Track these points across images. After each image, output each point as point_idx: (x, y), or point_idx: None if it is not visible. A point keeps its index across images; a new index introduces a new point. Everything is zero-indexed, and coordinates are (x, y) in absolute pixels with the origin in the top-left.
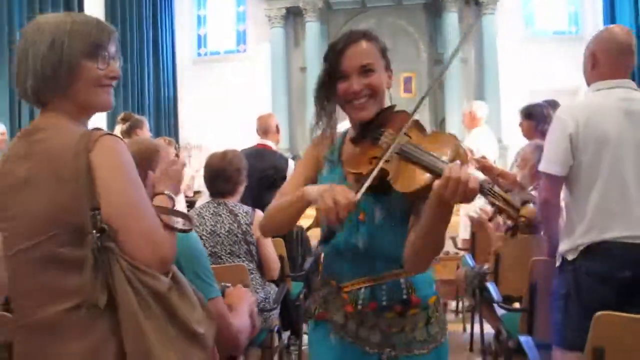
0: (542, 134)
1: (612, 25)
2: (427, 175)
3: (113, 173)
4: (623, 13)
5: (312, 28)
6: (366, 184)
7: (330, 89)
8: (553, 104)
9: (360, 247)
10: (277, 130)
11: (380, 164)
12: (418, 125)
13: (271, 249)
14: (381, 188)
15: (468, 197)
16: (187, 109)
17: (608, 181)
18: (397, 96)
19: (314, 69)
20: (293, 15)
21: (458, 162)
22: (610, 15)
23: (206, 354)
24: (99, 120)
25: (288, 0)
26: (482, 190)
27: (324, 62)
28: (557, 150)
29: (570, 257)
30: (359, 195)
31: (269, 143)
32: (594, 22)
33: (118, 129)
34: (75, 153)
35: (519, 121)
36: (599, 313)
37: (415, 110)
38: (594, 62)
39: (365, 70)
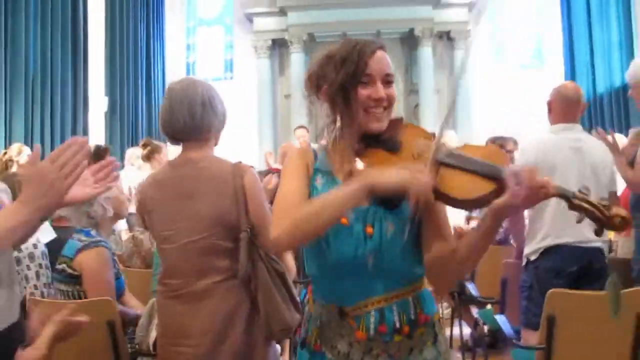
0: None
1: (565, 82)
2: (489, 182)
3: (257, 193)
4: (580, 49)
5: (296, 58)
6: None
7: (350, 92)
8: (514, 141)
9: (369, 263)
10: None
11: (432, 165)
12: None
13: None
14: (391, 201)
15: (548, 196)
16: None
17: (558, 200)
18: None
19: (298, 96)
20: (278, 46)
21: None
22: (570, 50)
23: (299, 315)
24: (99, 141)
25: (274, 32)
26: (563, 195)
27: (343, 63)
28: None
29: (532, 258)
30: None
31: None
32: (555, 56)
33: (136, 152)
34: (234, 176)
35: None
36: (550, 290)
37: (446, 120)
38: (550, 109)
39: (388, 80)
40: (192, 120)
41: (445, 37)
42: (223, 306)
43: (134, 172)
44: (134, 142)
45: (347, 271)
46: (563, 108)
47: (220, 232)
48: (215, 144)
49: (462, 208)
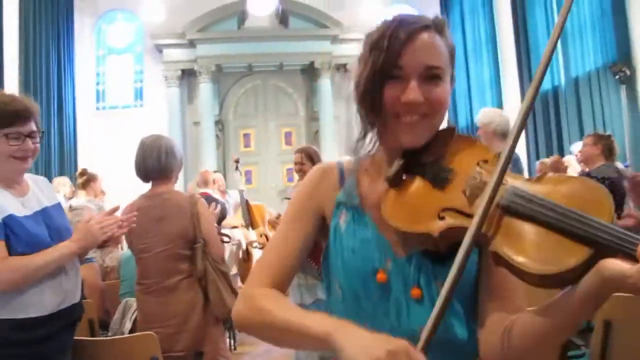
0: None
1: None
2: (583, 248)
3: (207, 216)
4: (459, 82)
5: (205, 88)
6: (455, 269)
7: (377, 92)
8: None
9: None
10: (214, 182)
11: (477, 222)
12: (512, 165)
13: None
14: (444, 255)
15: None
16: (89, 160)
17: None
18: (279, 148)
19: (207, 123)
20: (187, 76)
21: None
22: None
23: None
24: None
25: (183, 62)
26: None
27: (372, 50)
28: None
29: None
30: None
31: (209, 191)
32: None
33: (62, 181)
34: (191, 204)
35: None
36: None
37: (517, 138)
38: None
39: (431, 75)
40: (158, 165)
41: (343, 69)
42: (185, 297)
43: (63, 200)
44: (46, 170)
45: None
46: None
47: (181, 244)
48: (175, 181)
49: (532, 284)
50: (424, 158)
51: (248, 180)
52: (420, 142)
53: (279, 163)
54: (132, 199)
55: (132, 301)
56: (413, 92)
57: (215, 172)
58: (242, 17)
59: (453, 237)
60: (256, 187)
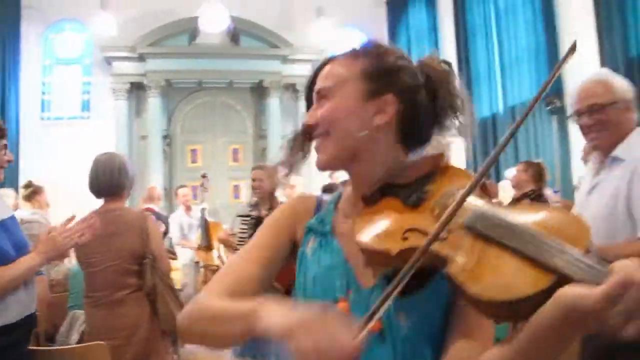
0: None
1: None
2: (544, 275)
3: (156, 232)
4: None
5: (153, 102)
6: (396, 287)
7: None
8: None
9: None
10: (159, 197)
11: (426, 245)
12: (486, 191)
13: None
14: (410, 284)
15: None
16: (31, 171)
17: None
18: (227, 165)
19: (155, 137)
20: (136, 89)
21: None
22: None
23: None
24: None
25: (133, 76)
26: None
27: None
28: None
29: None
30: (363, 335)
31: (153, 206)
32: None
33: (6, 193)
34: (141, 221)
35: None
36: None
37: (493, 160)
38: None
39: (319, 98)
40: (111, 183)
41: (292, 89)
42: (132, 311)
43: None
44: None
45: None
46: None
47: (130, 259)
48: (127, 198)
49: (483, 312)
50: (402, 180)
51: (194, 197)
52: (320, 166)
53: (227, 179)
54: (76, 210)
55: (80, 313)
56: (306, 116)
57: (182, 187)
58: (193, 33)
59: (412, 258)
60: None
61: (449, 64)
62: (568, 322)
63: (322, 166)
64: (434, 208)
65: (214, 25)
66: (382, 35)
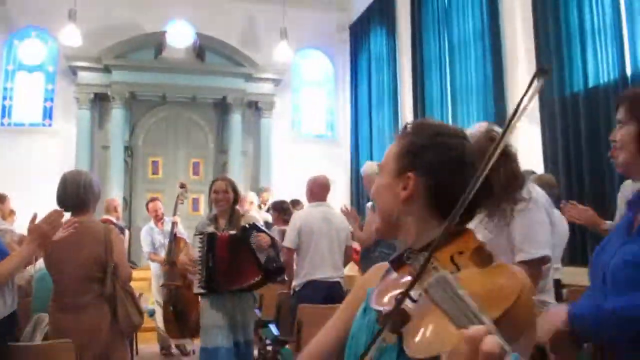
0: (285, 222)
1: (317, 175)
2: (456, 334)
3: (119, 243)
4: (362, 128)
5: (117, 113)
6: (377, 336)
7: None
8: (296, 202)
9: None
10: (116, 209)
11: (396, 304)
12: (481, 253)
13: None
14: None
15: None
16: None
17: (314, 251)
18: (187, 178)
19: (117, 148)
20: (100, 100)
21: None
22: (355, 124)
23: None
24: None
25: (97, 86)
26: None
27: None
28: (290, 234)
29: (297, 289)
30: None
31: (111, 218)
32: (344, 129)
33: None
34: (105, 232)
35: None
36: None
37: (452, 218)
38: (310, 192)
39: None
40: (77, 198)
41: (254, 106)
42: (95, 314)
43: None
44: None
45: None
46: (319, 191)
47: (94, 267)
48: (93, 211)
49: None
50: (417, 247)
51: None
52: (376, 231)
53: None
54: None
55: (44, 316)
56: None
57: (153, 200)
58: (159, 47)
59: (392, 322)
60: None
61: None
62: None
63: (377, 235)
64: (412, 272)
65: (180, 40)
66: (344, 60)
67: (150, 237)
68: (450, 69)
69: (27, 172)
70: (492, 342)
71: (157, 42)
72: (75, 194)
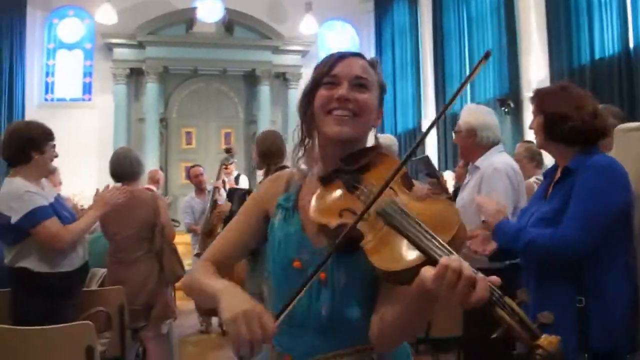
0: None
1: None
2: (417, 255)
3: (164, 208)
4: (386, 94)
5: (151, 87)
6: (331, 251)
7: (313, 97)
8: None
9: (324, 315)
10: (159, 180)
11: (353, 224)
12: (406, 180)
13: None
14: (346, 247)
15: (470, 302)
16: None
17: None
18: (218, 147)
19: (152, 120)
20: (136, 75)
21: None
22: None
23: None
24: None
25: (132, 62)
26: (491, 300)
27: (313, 71)
28: None
29: None
30: (280, 320)
31: (153, 187)
32: None
33: None
34: (153, 199)
35: None
36: None
37: (407, 157)
38: None
39: (359, 84)
40: (129, 169)
41: (282, 78)
42: (145, 266)
43: None
44: None
45: (301, 321)
46: None
47: (144, 227)
48: (139, 181)
49: (383, 278)
50: (348, 166)
51: (188, 176)
52: (343, 135)
53: (218, 161)
54: (81, 189)
55: (97, 271)
56: (344, 89)
57: (195, 166)
58: (190, 23)
59: (344, 231)
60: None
61: None
62: (418, 291)
63: (345, 137)
64: (361, 194)
65: (210, 15)
66: (369, 30)
67: (190, 208)
68: (468, 41)
69: (69, 144)
70: (468, 267)
71: (187, 18)
72: (128, 167)
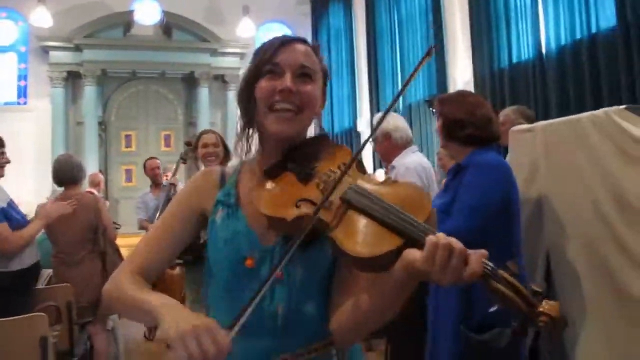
0: None
1: None
2: (396, 238)
3: (105, 210)
4: None
5: (89, 90)
6: (294, 246)
7: (254, 87)
8: None
9: (280, 314)
10: (99, 183)
11: (314, 212)
12: (362, 168)
13: None
14: (305, 239)
15: (463, 278)
16: None
17: None
18: (159, 150)
19: (91, 124)
20: (73, 78)
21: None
22: None
23: None
24: None
25: (69, 65)
26: (484, 273)
27: (254, 57)
28: None
29: None
30: (233, 332)
31: (94, 190)
32: None
33: None
34: (94, 202)
35: None
36: None
37: (365, 143)
38: None
39: (303, 73)
40: (70, 175)
41: (221, 80)
42: (88, 267)
43: None
44: None
45: (255, 326)
46: None
47: (87, 229)
48: (81, 186)
49: (352, 266)
50: (296, 157)
51: (128, 179)
52: (287, 131)
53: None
54: (18, 194)
55: (43, 271)
56: (288, 80)
57: (150, 158)
58: (127, 26)
59: (304, 223)
60: (136, 186)
61: None
62: (407, 274)
63: (286, 135)
64: (319, 183)
65: (147, 18)
66: (306, 32)
67: (144, 204)
68: (399, 42)
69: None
70: (457, 241)
71: (125, 21)
72: (69, 173)
